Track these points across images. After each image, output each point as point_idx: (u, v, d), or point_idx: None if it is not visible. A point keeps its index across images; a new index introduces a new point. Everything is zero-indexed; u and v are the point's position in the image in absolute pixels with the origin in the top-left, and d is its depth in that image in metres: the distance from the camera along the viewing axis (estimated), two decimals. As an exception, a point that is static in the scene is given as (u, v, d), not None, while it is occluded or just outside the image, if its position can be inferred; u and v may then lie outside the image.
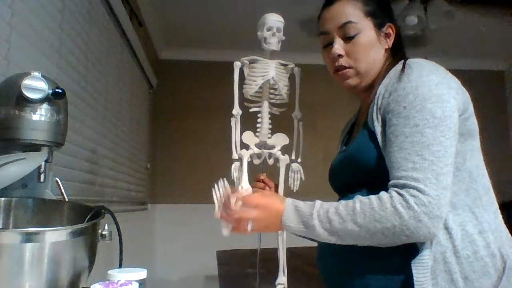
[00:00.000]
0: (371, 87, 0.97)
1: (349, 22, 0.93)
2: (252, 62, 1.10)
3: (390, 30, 0.97)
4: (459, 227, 0.79)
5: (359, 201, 0.79)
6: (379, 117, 0.86)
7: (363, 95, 1.00)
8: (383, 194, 0.78)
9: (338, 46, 0.95)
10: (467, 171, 0.84)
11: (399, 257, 0.80)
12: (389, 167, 0.80)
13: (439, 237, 0.78)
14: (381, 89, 0.88)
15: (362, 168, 0.88)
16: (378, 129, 0.85)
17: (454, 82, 0.85)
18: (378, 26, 0.95)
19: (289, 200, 0.87)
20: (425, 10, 2.52)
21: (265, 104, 1.09)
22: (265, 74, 1.07)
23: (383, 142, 0.84)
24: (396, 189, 0.77)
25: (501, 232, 0.83)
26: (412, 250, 0.79)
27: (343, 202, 0.82)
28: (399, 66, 0.88)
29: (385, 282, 0.82)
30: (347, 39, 0.94)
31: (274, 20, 1.06)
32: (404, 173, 0.77)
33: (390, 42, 0.97)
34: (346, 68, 0.95)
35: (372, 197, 0.79)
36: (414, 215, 0.74)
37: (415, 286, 0.76)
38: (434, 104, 0.79)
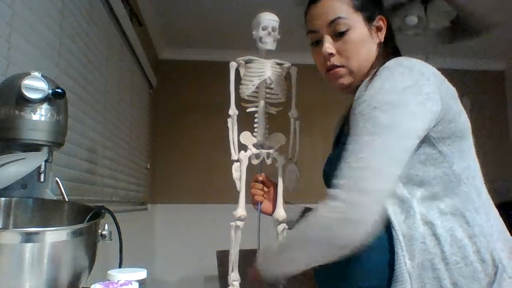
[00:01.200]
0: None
1: (339, 18, 0.89)
2: (248, 62, 1.09)
3: (381, 23, 0.93)
4: (448, 233, 0.77)
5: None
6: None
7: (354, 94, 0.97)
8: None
9: (329, 45, 0.90)
10: (454, 175, 0.81)
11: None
12: None
13: (427, 244, 0.76)
14: (357, 95, 0.84)
15: None
16: None
17: (428, 87, 0.78)
18: (369, 20, 0.91)
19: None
20: (425, 10, 2.52)
21: (262, 104, 1.09)
22: (262, 74, 1.06)
23: None
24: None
25: (498, 233, 0.81)
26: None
27: None
28: (374, 72, 0.84)
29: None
30: (337, 36, 0.90)
31: (269, 19, 1.06)
32: (333, 182, 0.77)
33: (382, 35, 0.93)
34: (338, 67, 0.91)
35: None
36: (325, 223, 0.75)
37: None
38: (383, 112, 0.75)
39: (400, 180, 0.79)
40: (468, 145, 0.85)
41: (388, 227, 0.78)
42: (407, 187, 0.80)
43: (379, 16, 0.93)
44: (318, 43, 0.93)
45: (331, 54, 0.91)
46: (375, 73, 0.82)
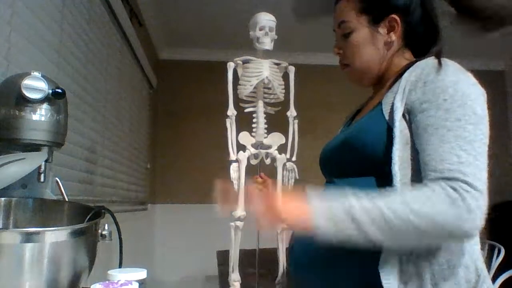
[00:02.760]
0: (383, 79, 0.96)
1: (343, 21, 0.96)
2: (245, 62, 1.10)
3: (393, 23, 0.94)
4: None
5: (406, 191, 0.75)
6: (403, 102, 0.83)
7: (376, 86, 1.00)
8: (430, 184, 0.74)
9: (336, 45, 0.99)
10: None
11: (366, 262, 0.79)
12: (426, 158, 0.77)
13: None
14: (409, 77, 0.85)
15: (364, 148, 0.85)
16: (397, 114, 0.82)
17: None
18: (374, 21, 0.94)
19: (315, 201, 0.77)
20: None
21: (260, 103, 1.09)
22: (259, 74, 1.07)
23: (405, 129, 0.82)
24: (445, 181, 0.73)
25: (479, 247, 0.82)
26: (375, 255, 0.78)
27: (379, 196, 0.74)
28: (430, 59, 0.86)
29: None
30: (344, 37, 0.97)
31: (266, 19, 1.06)
32: (449, 166, 0.74)
33: (395, 34, 0.94)
34: (344, 64, 0.99)
35: (420, 187, 0.75)
36: (467, 207, 0.71)
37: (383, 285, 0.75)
38: (474, 102, 0.78)
39: (408, 171, 0.80)
40: None
41: None
42: (415, 180, 0.79)
43: (391, 16, 0.94)
44: None
45: (339, 54, 1.00)
46: (439, 61, 0.83)
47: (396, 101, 0.84)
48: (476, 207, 0.71)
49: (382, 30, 0.95)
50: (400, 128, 0.81)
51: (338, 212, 0.74)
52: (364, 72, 0.97)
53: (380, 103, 0.89)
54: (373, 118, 0.88)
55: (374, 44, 0.95)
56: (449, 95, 0.79)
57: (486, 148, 0.77)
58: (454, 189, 0.72)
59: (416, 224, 0.71)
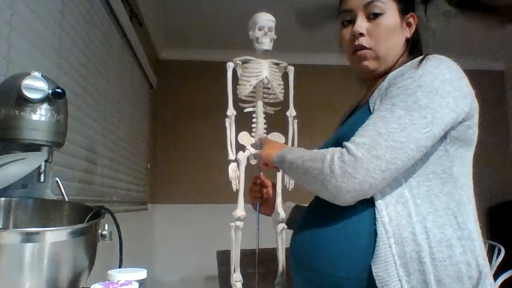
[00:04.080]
0: (384, 75, 0.93)
1: (376, 0, 0.91)
2: (244, 62, 1.10)
3: (412, 20, 0.96)
4: (439, 230, 0.78)
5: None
6: (380, 99, 0.85)
7: (373, 82, 0.97)
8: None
9: (361, 24, 0.92)
10: (452, 176, 0.82)
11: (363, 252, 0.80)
12: None
13: (416, 235, 0.77)
14: (391, 75, 0.87)
15: None
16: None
17: (466, 88, 0.82)
18: (402, 12, 0.94)
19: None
20: (425, 10, 2.52)
21: (259, 103, 1.10)
22: (259, 74, 1.07)
23: None
24: (342, 146, 0.80)
25: (480, 243, 0.82)
26: (370, 246, 0.79)
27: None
28: (419, 58, 0.85)
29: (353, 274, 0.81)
30: (371, 18, 0.92)
31: (266, 19, 1.06)
32: (352, 138, 0.79)
33: (410, 31, 0.96)
34: (365, 48, 0.93)
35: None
36: (330, 164, 0.78)
37: (376, 283, 0.76)
38: (425, 94, 0.77)
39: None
40: (470, 156, 0.87)
41: (371, 208, 0.80)
42: (403, 174, 0.80)
43: (412, 13, 0.96)
44: (349, 22, 0.95)
45: (361, 34, 0.93)
46: (422, 59, 0.83)
47: (376, 103, 0.85)
48: (338, 167, 0.77)
49: (405, 23, 0.95)
50: None
51: (284, 155, 0.93)
52: (383, 61, 0.93)
53: (368, 101, 0.89)
54: (361, 116, 0.88)
55: (399, 35, 0.94)
56: (403, 85, 0.80)
57: (413, 135, 0.76)
58: (335, 150, 0.79)
59: (301, 169, 0.85)
